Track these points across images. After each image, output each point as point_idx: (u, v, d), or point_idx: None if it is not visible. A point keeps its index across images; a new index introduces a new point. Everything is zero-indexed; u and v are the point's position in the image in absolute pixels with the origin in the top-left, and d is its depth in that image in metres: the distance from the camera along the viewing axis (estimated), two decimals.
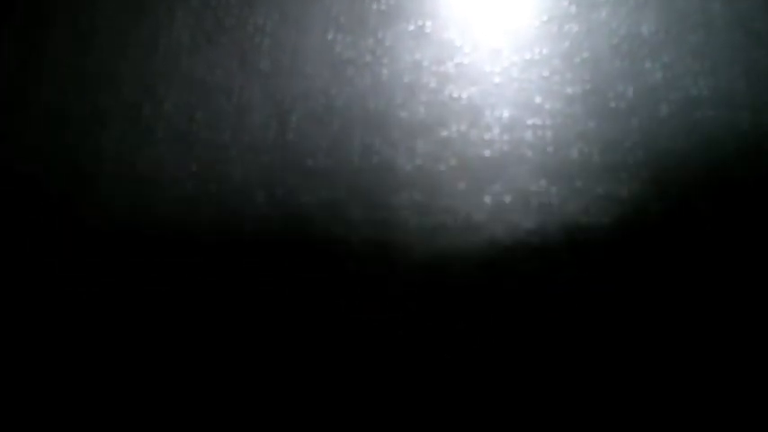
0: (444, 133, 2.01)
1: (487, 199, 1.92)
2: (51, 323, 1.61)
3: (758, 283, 1.77)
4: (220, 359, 1.56)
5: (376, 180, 1.95)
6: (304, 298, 1.66)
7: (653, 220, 1.86)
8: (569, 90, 2.25)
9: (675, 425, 1.58)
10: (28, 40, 2.30)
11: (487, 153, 1.92)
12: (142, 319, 1.60)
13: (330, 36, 2.35)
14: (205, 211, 1.84)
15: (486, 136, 1.97)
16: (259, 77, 2.38)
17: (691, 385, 1.64)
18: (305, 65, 2.30)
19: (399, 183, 1.94)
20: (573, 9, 2.26)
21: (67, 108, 2.11)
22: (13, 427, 1.47)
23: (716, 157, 1.96)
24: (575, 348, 1.64)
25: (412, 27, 2.26)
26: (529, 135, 1.97)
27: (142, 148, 2.00)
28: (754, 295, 1.78)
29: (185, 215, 1.83)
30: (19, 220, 1.81)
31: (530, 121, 2.04)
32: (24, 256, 1.72)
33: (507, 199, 1.90)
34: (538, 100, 2.16)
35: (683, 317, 1.79)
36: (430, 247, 1.79)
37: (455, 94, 2.19)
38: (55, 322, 1.61)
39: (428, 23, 2.32)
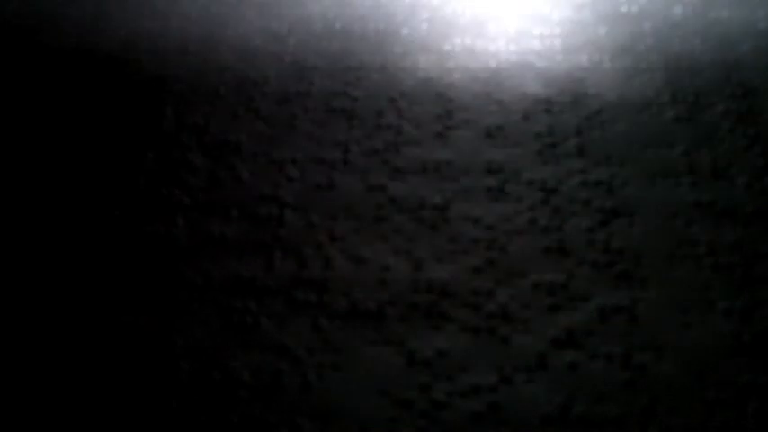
0: (447, 47, 1.96)
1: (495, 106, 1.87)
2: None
3: None
4: None
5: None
6: None
7: (667, 125, 1.80)
8: None
9: None
10: None
11: (493, 64, 1.87)
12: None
13: None
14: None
15: (492, 48, 1.92)
16: (256, 3, 2.34)
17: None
18: None
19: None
20: None
21: None
22: None
23: (732, 58, 1.89)
24: (583, 274, 1.60)
25: None
26: (537, 44, 1.91)
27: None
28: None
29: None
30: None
31: (537, 32, 1.98)
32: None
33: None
34: (546, 10, 2.09)
35: (691, 219, 1.73)
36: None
37: (459, 10, 2.13)
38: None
39: None
